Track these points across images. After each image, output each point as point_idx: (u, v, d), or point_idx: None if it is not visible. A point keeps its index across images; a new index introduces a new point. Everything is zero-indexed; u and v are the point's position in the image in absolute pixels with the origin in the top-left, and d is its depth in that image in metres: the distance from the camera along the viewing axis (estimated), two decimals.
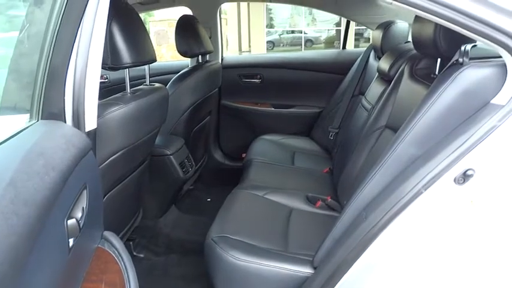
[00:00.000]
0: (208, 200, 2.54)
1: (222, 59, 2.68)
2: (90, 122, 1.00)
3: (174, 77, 2.08)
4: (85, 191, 0.79)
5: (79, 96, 0.96)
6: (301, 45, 15.28)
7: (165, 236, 1.99)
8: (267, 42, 15.25)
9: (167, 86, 2.04)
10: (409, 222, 0.95)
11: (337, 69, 2.56)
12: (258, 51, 14.21)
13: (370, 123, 1.60)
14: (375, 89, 1.81)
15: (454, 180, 0.92)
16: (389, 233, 0.96)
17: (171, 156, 1.87)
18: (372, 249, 0.97)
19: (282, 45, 15.55)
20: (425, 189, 0.93)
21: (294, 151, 2.35)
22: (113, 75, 2.80)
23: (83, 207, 0.77)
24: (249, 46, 14.61)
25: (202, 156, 2.58)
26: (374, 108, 1.67)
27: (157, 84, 1.58)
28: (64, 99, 0.89)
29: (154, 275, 1.80)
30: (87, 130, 0.98)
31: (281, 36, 15.96)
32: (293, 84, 2.63)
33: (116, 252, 0.88)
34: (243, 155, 2.64)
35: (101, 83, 2.67)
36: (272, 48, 15.15)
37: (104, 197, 1.38)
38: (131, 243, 1.88)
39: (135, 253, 1.88)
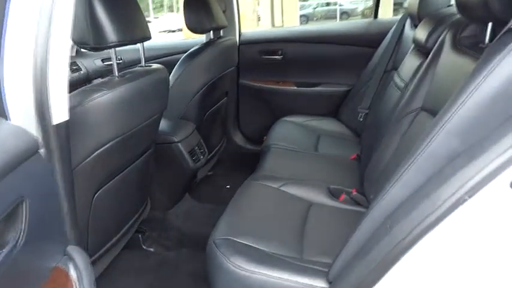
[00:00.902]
0: (228, 187, 2.38)
1: (239, 35, 2.46)
2: (59, 114, 0.84)
3: (183, 56, 1.89)
4: (22, 206, 0.63)
5: (41, 83, 0.79)
6: (336, 18, 14.63)
7: (176, 229, 1.86)
8: (301, 16, 14.70)
9: (175, 67, 1.87)
10: (447, 239, 0.73)
11: (367, 41, 2.28)
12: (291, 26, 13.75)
13: (403, 104, 1.35)
14: (410, 63, 1.54)
15: (511, 185, 0.68)
16: (420, 251, 0.74)
17: (179, 144, 1.71)
18: (396, 271, 0.76)
19: (315, 19, 14.96)
20: (470, 197, 0.70)
21: (319, 134, 2.13)
22: (127, 55, 2.66)
23: (18, 224, 0.62)
24: (282, 21, 14.15)
25: (220, 140, 2.41)
26: (408, 86, 1.41)
27: (154, 65, 1.41)
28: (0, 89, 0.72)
29: (164, 270, 1.67)
30: (55, 123, 0.82)
31: (315, 9, 15.35)
32: (318, 60, 2.37)
33: (78, 274, 0.73)
34: (265, 138, 2.46)
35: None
36: (306, 23, 14.60)
37: (96, 192, 1.24)
38: (140, 236, 1.75)
39: (144, 247, 1.76)
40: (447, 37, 1.25)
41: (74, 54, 2.63)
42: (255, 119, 2.57)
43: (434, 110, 1.17)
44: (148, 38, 1.31)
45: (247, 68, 2.48)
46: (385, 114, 1.57)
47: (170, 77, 1.88)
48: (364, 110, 2.12)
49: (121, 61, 2.66)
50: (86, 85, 1.22)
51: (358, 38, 2.32)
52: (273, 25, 13.86)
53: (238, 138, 2.61)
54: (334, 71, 2.36)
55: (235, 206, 1.40)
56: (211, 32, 2.11)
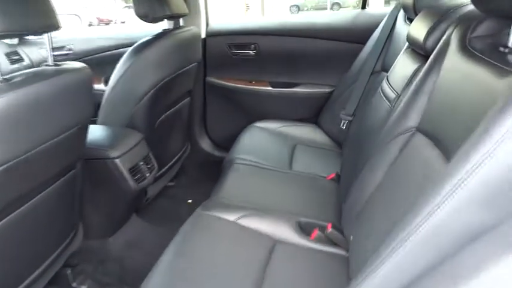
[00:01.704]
0: (189, 201, 2.06)
1: (207, 25, 2.12)
2: None
3: (128, 50, 1.55)
4: None
5: None
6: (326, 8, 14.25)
7: (116, 261, 1.53)
8: (291, 6, 14.27)
9: (118, 63, 1.53)
10: None
11: (353, 36, 1.96)
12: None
13: (393, 121, 1.05)
14: (403, 67, 1.23)
15: None
16: None
17: (116, 160, 1.38)
18: None
19: (306, 9, 14.53)
20: None
21: (296, 143, 1.82)
22: (80, 45, 2.31)
23: None
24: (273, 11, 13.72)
25: (183, 146, 2.08)
26: (400, 97, 1.10)
27: (69, 64, 1.07)
28: None
29: None
30: None
31: None
32: (296, 57, 2.05)
33: None
34: None
35: (64, 55, 2.13)
36: (297, 13, 14.18)
37: None
38: (69, 271, 1.43)
39: (74, 284, 1.44)
40: (453, 36, 0.94)
41: (15, 42, 2.27)
42: (224, 123, 2.25)
43: (434, 133, 0.87)
44: (55, 27, 0.97)
45: (214, 64, 2.15)
46: (370, 129, 1.26)
47: (112, 76, 1.54)
48: (348, 116, 1.81)
49: (70, 51, 2.31)
50: None
51: (343, 31, 1.99)
52: (263, 16, 13.41)
53: (205, 144, 2.29)
54: (315, 69, 2.04)
55: (178, 245, 1.09)
56: (168, 21, 1.78)
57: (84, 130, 1.19)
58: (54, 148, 1.01)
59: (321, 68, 2.03)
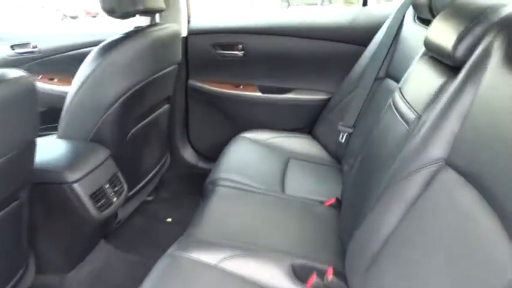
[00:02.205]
0: (169, 220, 1.84)
1: (188, 22, 1.88)
2: None
3: (93, 50, 1.31)
4: None
5: None
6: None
7: None
8: (282, 0, 14.00)
9: (80, 67, 1.30)
10: None
11: (353, 37, 1.74)
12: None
13: (414, 148, 0.83)
14: (422, 80, 1.01)
15: None
16: None
17: (74, 185, 1.14)
18: None
19: (296, 4, 14.27)
20: None
21: (288, 157, 1.61)
22: (44, 43, 2.05)
23: None
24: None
25: (161, 158, 1.85)
26: (421, 117, 0.89)
27: (6, 72, 0.84)
28: None
29: None
30: None
31: None
32: (289, 59, 1.82)
33: None
34: None
35: (29, 53, 1.84)
36: (287, 8, 13.89)
37: None
38: None
39: None
40: (496, 45, 0.73)
41: None
42: (209, 131, 2.02)
43: (471, 169, 0.66)
44: None
45: (198, 66, 1.91)
46: (381, 153, 1.04)
47: (73, 81, 1.31)
48: (347, 128, 1.60)
49: (36, 49, 2.06)
50: None
51: (342, 32, 1.77)
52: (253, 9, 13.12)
53: (188, 154, 2.06)
54: (310, 74, 1.82)
55: None
56: (143, 17, 1.54)
57: (28, 152, 0.96)
58: None
59: (317, 73, 1.81)
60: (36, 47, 2.04)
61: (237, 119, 1.93)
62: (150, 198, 1.95)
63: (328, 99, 1.79)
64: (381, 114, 1.17)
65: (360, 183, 1.12)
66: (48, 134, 1.62)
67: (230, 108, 1.93)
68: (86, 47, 1.97)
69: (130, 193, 1.52)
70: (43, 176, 1.12)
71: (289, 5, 14.24)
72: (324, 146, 1.73)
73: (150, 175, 1.72)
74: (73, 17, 7.37)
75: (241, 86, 1.90)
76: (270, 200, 1.29)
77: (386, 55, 1.54)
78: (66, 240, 1.26)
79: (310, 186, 1.42)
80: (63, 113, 1.34)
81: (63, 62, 2.03)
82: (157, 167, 1.80)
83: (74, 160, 1.19)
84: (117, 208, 1.28)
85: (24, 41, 2.05)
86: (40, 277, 1.24)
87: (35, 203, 1.15)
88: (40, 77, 2.06)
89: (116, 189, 1.29)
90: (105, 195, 1.23)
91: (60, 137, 1.33)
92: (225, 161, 1.53)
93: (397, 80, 1.24)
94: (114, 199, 1.26)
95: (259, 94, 1.87)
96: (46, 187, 1.14)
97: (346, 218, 1.14)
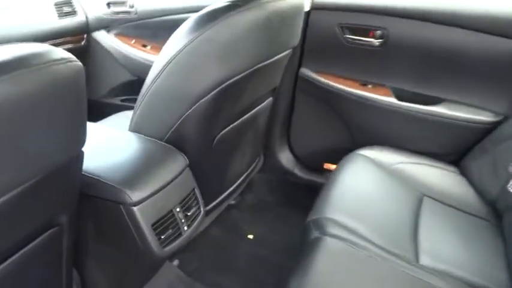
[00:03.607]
0: (250, 237, 1.50)
1: None
2: None
3: (183, 24, 0.95)
4: None
5: None
6: None
7: None
8: None
9: (169, 41, 0.96)
10: None
11: None
12: None
13: None
14: None
15: None
16: None
17: (134, 208, 0.82)
18: None
19: None
20: None
21: (423, 195, 1.15)
22: (141, 3, 1.77)
23: None
24: None
25: (253, 161, 1.49)
26: None
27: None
28: None
29: None
30: None
31: None
32: (448, 59, 1.30)
33: None
34: (327, 167, 1.54)
35: (125, 13, 1.55)
36: None
37: None
38: None
39: None
40: None
41: None
42: (314, 135, 1.60)
43: None
44: None
45: (316, 52, 1.48)
46: None
47: (155, 62, 0.98)
48: None
49: (132, 9, 1.79)
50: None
51: None
52: None
53: (285, 158, 1.67)
54: (476, 83, 1.28)
55: None
56: None
57: (74, 166, 0.64)
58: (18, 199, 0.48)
59: (487, 82, 1.27)
60: (133, 6, 1.77)
61: (354, 128, 1.48)
62: (233, 202, 1.63)
63: (496, 124, 1.25)
64: None
65: None
66: (128, 108, 1.34)
67: (348, 111, 1.48)
68: (187, 12, 1.65)
69: (209, 206, 1.19)
70: (96, 187, 0.82)
71: None
72: (477, 188, 1.21)
73: (237, 182, 1.37)
74: None
75: (370, 86, 1.44)
76: (396, 274, 0.85)
77: None
78: (117, 269, 0.96)
79: (455, 253, 0.95)
80: (140, 97, 1.02)
81: (159, 28, 1.74)
82: (247, 171, 1.45)
83: (139, 172, 0.86)
84: (186, 241, 0.94)
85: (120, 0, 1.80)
86: None
87: (85, 216, 0.86)
88: (133, 41, 1.80)
89: (190, 213, 0.95)
90: (173, 222, 0.89)
91: (132, 129, 1.02)
92: (336, 190, 1.11)
93: None
94: (185, 228, 0.92)
95: (392, 100, 1.39)
96: (98, 201, 0.83)
97: None
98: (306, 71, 1.50)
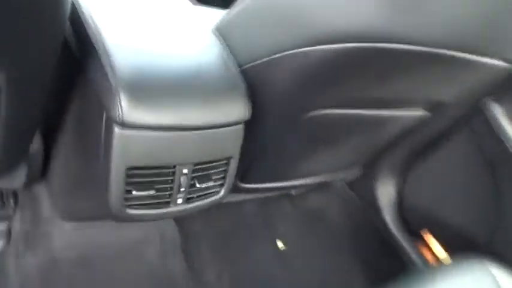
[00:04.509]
0: (281, 246, 1.12)
1: None
2: None
3: None
4: None
5: None
6: None
7: None
8: None
9: None
10: None
11: None
12: None
13: None
14: None
15: None
16: None
17: (116, 129, 0.48)
18: None
19: None
20: None
21: None
22: None
23: None
24: None
25: (338, 167, 1.07)
26: None
27: None
28: None
29: None
30: None
31: None
32: None
33: None
34: None
35: None
36: None
37: None
38: None
39: None
40: None
41: None
42: None
43: None
44: None
45: None
46: None
47: None
48: None
49: None
50: None
51: None
52: None
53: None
54: None
55: None
56: None
57: None
58: None
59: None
60: None
61: None
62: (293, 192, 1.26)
63: None
64: None
65: None
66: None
67: None
68: None
69: (248, 186, 0.83)
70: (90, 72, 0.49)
71: None
72: None
73: (303, 180, 0.97)
74: None
75: None
76: None
77: None
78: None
79: None
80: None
81: None
82: (326, 174, 1.04)
83: (164, 88, 0.52)
84: (171, 216, 0.60)
85: None
86: None
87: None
88: None
89: (202, 185, 0.59)
90: (164, 183, 0.55)
91: (216, 27, 0.67)
92: None
93: None
94: (178, 200, 0.57)
95: None
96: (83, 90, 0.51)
97: None
98: None
